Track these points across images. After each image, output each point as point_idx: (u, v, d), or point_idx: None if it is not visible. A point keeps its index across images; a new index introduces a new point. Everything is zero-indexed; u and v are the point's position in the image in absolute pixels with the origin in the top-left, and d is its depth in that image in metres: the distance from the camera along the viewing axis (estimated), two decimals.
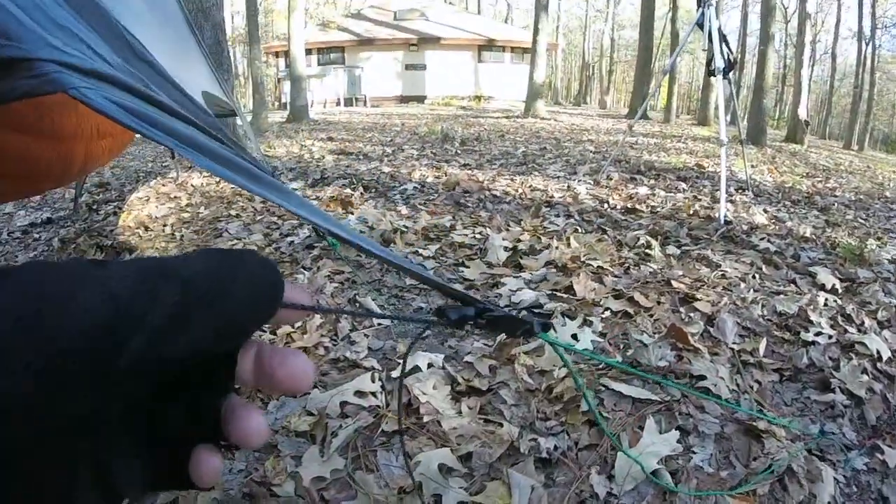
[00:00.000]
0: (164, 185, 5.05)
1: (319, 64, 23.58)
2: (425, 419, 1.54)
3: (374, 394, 1.65)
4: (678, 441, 1.50)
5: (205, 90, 3.88)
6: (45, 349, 0.19)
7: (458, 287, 1.91)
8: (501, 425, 1.52)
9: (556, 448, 1.45)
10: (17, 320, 0.19)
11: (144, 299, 0.21)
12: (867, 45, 24.63)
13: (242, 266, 0.26)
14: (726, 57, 4.40)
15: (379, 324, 2.10)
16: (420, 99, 23.34)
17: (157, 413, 0.27)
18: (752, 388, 1.80)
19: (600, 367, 1.77)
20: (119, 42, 0.76)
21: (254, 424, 0.28)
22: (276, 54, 24.98)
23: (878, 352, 1.97)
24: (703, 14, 4.52)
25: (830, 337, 2.07)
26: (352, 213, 3.58)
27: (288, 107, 14.70)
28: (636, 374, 1.73)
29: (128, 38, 0.79)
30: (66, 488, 0.23)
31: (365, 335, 2.02)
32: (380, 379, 1.73)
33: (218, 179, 5.07)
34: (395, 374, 1.76)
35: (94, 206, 4.48)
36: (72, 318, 0.19)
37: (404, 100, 23.41)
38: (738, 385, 1.79)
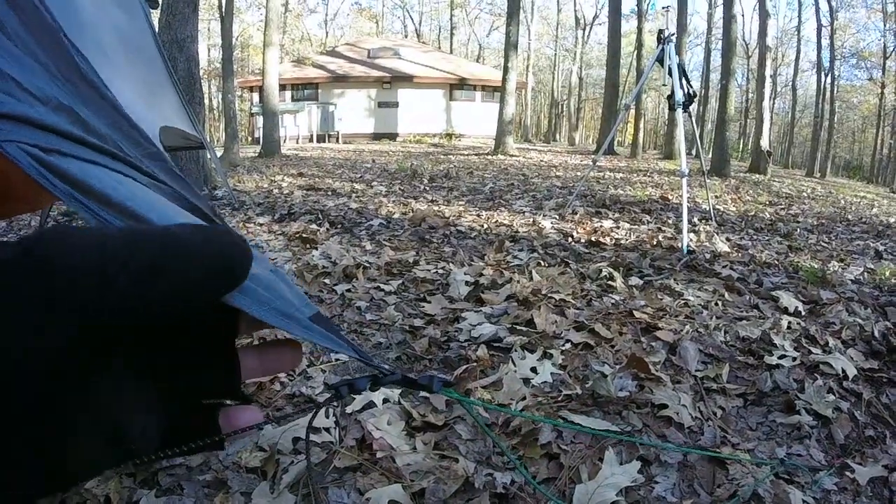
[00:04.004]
0: None
1: (293, 100, 23.68)
2: (378, 455, 1.49)
3: (327, 429, 1.60)
4: (639, 471, 1.46)
5: (164, 125, 3.83)
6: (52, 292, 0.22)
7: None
8: (457, 460, 1.47)
9: (512, 482, 1.40)
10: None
11: (129, 249, 0.24)
12: (826, 75, 25.49)
13: (216, 231, 0.29)
14: (686, 91, 4.51)
15: (337, 359, 2.05)
16: (392, 136, 23.48)
17: (167, 372, 0.29)
18: (715, 414, 1.77)
19: (559, 398, 1.73)
20: (64, 62, 0.71)
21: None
22: (251, 89, 25.04)
23: (843, 370, 1.97)
24: (662, 50, 4.64)
25: (794, 359, 2.06)
26: (315, 250, 3.53)
27: (260, 142, 14.68)
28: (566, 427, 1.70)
29: (76, 58, 0.75)
30: (60, 432, 0.24)
31: (322, 370, 1.97)
32: (334, 415, 1.67)
33: None
34: (350, 409, 1.70)
35: None
36: (68, 256, 0.23)
37: (377, 137, 23.53)
38: (700, 412, 1.77)
